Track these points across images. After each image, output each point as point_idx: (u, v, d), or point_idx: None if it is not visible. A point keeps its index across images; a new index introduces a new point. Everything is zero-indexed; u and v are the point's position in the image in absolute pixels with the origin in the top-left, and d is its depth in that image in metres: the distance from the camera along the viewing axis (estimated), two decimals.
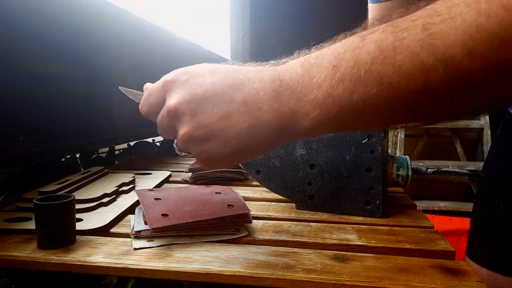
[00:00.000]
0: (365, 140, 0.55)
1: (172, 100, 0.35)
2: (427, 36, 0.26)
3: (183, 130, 0.35)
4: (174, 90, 0.36)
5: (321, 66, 0.31)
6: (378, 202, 0.56)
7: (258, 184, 0.77)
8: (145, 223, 0.47)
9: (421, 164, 2.32)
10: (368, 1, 0.76)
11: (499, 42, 0.24)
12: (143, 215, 0.49)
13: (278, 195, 0.62)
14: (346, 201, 0.57)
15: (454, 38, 0.25)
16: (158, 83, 0.38)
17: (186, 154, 0.40)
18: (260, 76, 0.34)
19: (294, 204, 0.62)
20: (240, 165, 0.64)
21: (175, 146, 0.40)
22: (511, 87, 0.26)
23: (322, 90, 0.31)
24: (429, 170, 0.62)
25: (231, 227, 0.48)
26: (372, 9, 0.75)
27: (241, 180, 0.78)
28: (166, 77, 0.37)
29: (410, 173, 0.59)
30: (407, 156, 0.60)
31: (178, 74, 0.37)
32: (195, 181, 0.75)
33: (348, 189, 0.57)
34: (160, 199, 0.54)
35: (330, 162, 0.57)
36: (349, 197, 0.57)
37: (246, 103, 0.33)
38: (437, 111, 0.30)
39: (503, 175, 0.70)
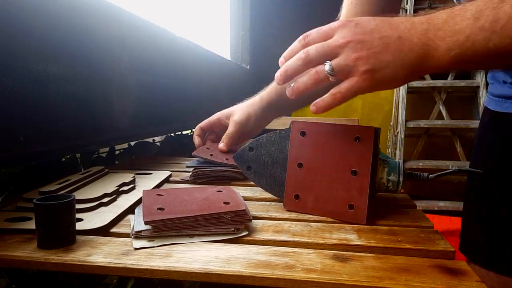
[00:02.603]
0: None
1: (347, 35, 0.44)
2: None
3: (357, 54, 0.44)
4: (346, 29, 0.45)
5: (464, 17, 0.41)
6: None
7: None
8: (145, 223, 0.47)
9: (421, 164, 2.32)
10: None
11: None
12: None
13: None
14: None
15: None
16: (331, 24, 0.47)
17: (335, 79, 0.46)
18: (411, 20, 0.44)
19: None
20: (234, 159, 0.64)
21: (328, 68, 0.45)
22: None
23: (464, 34, 0.40)
24: (430, 176, 0.57)
25: (231, 226, 0.48)
26: None
27: (240, 179, 0.78)
28: (338, 22, 0.46)
29: (401, 178, 0.55)
30: (400, 161, 0.57)
31: (349, 20, 0.45)
32: (195, 179, 0.75)
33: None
34: (162, 195, 0.55)
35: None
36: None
37: (401, 38, 0.43)
38: None
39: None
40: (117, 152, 1.07)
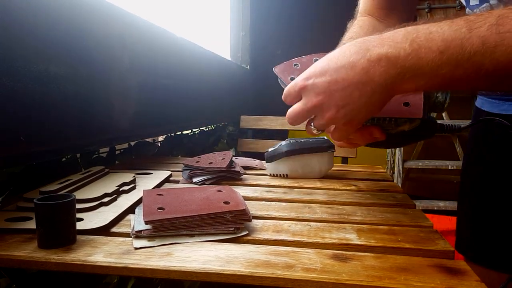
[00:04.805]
0: None
1: (310, 99, 0.47)
2: None
3: (328, 114, 0.46)
4: (308, 91, 0.47)
5: (429, 49, 0.40)
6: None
7: (258, 184, 0.77)
8: (146, 222, 0.47)
9: (420, 164, 2.32)
10: None
11: None
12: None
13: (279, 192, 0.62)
14: None
15: None
16: (294, 85, 0.49)
17: (319, 131, 0.51)
18: (367, 56, 0.43)
19: (293, 204, 0.62)
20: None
21: (313, 128, 0.50)
22: None
23: (429, 68, 0.40)
24: (462, 125, 0.59)
25: (231, 226, 0.48)
26: None
27: (235, 179, 0.79)
28: (299, 82, 0.48)
29: (449, 95, 0.56)
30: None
31: (307, 78, 0.47)
32: (191, 178, 0.75)
33: None
34: (162, 195, 0.55)
35: None
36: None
37: (362, 83, 0.43)
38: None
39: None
40: (117, 152, 1.07)
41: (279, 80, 0.59)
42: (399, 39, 0.42)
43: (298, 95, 0.48)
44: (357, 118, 0.46)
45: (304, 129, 0.54)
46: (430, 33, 0.40)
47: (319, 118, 0.48)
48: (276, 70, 0.62)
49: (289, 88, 0.49)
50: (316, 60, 0.60)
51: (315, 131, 0.51)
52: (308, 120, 0.51)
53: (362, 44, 0.44)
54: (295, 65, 0.61)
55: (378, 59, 0.42)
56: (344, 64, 0.44)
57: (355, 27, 0.74)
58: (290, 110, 0.50)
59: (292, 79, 0.61)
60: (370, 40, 0.44)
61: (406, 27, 0.43)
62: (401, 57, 0.41)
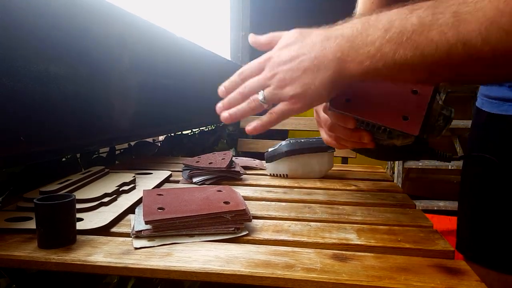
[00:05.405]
0: None
1: (272, 68, 0.49)
2: (456, 21, 0.36)
3: (282, 83, 0.48)
4: (272, 62, 0.49)
5: (376, 28, 0.41)
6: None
7: (258, 184, 0.77)
8: (146, 222, 0.47)
9: (420, 164, 2.32)
10: None
11: (507, 35, 0.34)
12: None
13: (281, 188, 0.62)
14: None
15: (473, 27, 0.35)
16: (261, 58, 0.51)
17: (268, 105, 0.51)
18: (327, 34, 0.46)
19: (293, 204, 0.62)
20: None
21: (261, 97, 0.50)
22: None
23: (374, 47, 0.41)
24: (454, 156, 0.59)
25: (231, 226, 0.48)
26: None
27: (235, 179, 0.79)
28: (266, 54, 0.51)
29: (453, 115, 0.54)
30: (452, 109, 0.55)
31: (274, 51, 0.50)
32: (191, 178, 0.76)
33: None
34: (162, 195, 0.55)
35: None
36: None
37: (317, 57, 0.45)
38: (454, 77, 0.42)
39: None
40: (117, 152, 1.07)
41: None
42: (355, 21, 0.44)
43: (260, 68, 0.50)
44: (306, 94, 0.47)
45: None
46: (380, 14, 0.43)
47: (273, 87, 0.49)
48: None
49: (252, 62, 0.51)
50: None
51: (260, 100, 0.51)
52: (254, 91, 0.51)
53: (328, 27, 0.47)
54: None
55: (335, 37, 0.45)
56: (307, 42, 0.47)
57: None
58: (243, 72, 0.52)
59: None
60: (335, 24, 0.47)
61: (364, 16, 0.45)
62: (353, 35, 0.43)
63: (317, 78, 0.46)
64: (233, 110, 0.53)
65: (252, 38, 0.56)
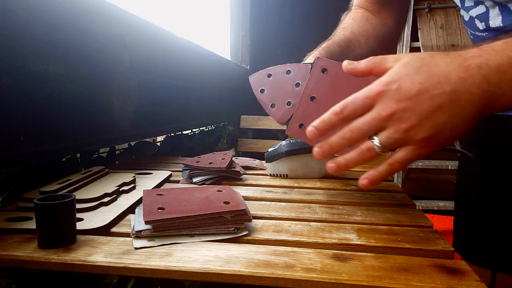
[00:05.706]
0: None
1: (389, 105, 0.40)
2: None
3: (407, 125, 0.39)
4: (387, 97, 0.40)
5: None
6: None
7: (258, 184, 0.77)
8: (146, 222, 0.47)
9: (420, 164, 2.32)
10: None
11: None
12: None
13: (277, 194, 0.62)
14: None
15: None
16: (369, 91, 0.41)
17: (383, 150, 0.42)
18: (465, 64, 0.39)
19: (293, 204, 0.62)
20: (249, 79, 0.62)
21: (377, 144, 0.42)
22: None
23: None
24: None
25: (231, 226, 0.48)
26: None
27: (235, 179, 0.79)
28: (375, 87, 0.41)
29: None
30: None
31: (388, 83, 0.40)
32: (191, 178, 0.76)
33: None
34: (162, 195, 0.55)
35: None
36: None
37: (456, 92, 0.38)
38: None
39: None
40: (117, 152, 1.07)
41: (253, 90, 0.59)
42: (498, 48, 0.39)
43: (368, 104, 0.41)
44: (440, 135, 0.39)
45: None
46: None
47: (391, 130, 0.40)
48: (251, 79, 0.62)
49: (357, 95, 0.42)
50: (289, 71, 0.60)
51: (377, 149, 0.42)
52: (367, 136, 0.42)
53: (456, 54, 0.40)
54: (268, 75, 0.61)
55: (478, 67, 0.38)
56: (437, 73, 0.39)
57: (348, 19, 0.76)
58: (344, 111, 0.42)
59: (262, 91, 0.61)
60: (465, 51, 0.41)
61: (500, 40, 0.40)
62: (505, 64, 0.38)
63: (456, 116, 0.39)
64: (341, 162, 0.44)
65: (348, 65, 0.45)
